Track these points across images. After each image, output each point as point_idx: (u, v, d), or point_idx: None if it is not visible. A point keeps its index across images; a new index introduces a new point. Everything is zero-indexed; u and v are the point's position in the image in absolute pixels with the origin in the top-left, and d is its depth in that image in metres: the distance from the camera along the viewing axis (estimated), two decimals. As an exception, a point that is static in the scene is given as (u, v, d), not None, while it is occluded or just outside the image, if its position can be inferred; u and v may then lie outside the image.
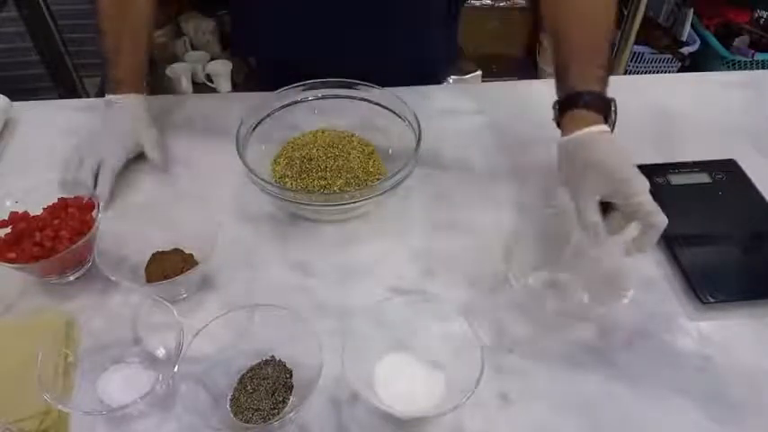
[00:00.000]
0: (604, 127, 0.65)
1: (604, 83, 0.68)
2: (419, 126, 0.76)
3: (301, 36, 0.93)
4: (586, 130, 0.65)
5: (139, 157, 0.85)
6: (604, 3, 0.71)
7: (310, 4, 0.89)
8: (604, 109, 0.67)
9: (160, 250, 0.70)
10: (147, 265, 0.69)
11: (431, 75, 1.04)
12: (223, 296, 0.69)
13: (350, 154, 0.81)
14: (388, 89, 0.82)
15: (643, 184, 0.61)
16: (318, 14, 0.90)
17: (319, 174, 0.78)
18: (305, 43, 0.93)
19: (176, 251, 0.70)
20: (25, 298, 0.69)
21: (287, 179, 0.79)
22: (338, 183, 0.77)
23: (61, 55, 1.56)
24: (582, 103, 0.66)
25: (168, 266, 0.68)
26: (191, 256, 0.70)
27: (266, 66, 1.11)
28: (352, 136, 0.84)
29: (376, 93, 0.83)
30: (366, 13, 0.89)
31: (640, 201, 0.60)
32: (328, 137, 0.83)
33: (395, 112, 0.81)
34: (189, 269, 0.66)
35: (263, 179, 0.71)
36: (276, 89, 0.82)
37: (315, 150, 0.81)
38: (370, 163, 0.81)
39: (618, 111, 0.68)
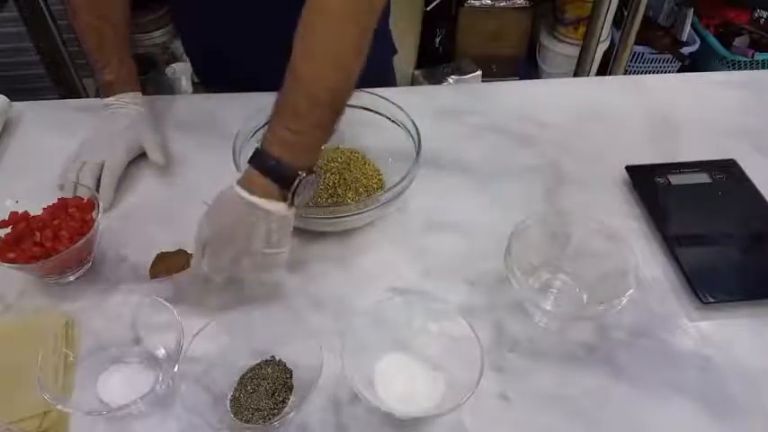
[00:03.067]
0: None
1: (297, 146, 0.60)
2: (418, 135, 0.76)
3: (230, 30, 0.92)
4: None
5: (140, 156, 0.85)
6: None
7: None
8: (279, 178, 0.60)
9: (164, 250, 0.70)
10: (151, 266, 0.69)
11: (377, 74, 0.89)
12: (223, 296, 0.69)
13: (348, 165, 0.81)
14: (387, 92, 0.82)
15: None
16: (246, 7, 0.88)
17: (329, 191, 0.78)
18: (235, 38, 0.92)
19: (180, 252, 0.70)
20: (25, 298, 0.69)
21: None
22: (348, 195, 0.78)
23: (61, 55, 1.56)
24: (259, 166, 0.60)
25: (172, 266, 0.68)
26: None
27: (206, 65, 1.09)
28: (351, 151, 0.84)
29: (374, 99, 0.81)
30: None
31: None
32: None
33: (394, 121, 0.81)
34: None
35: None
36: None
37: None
38: (369, 172, 0.81)
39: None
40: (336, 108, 0.62)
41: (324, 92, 0.60)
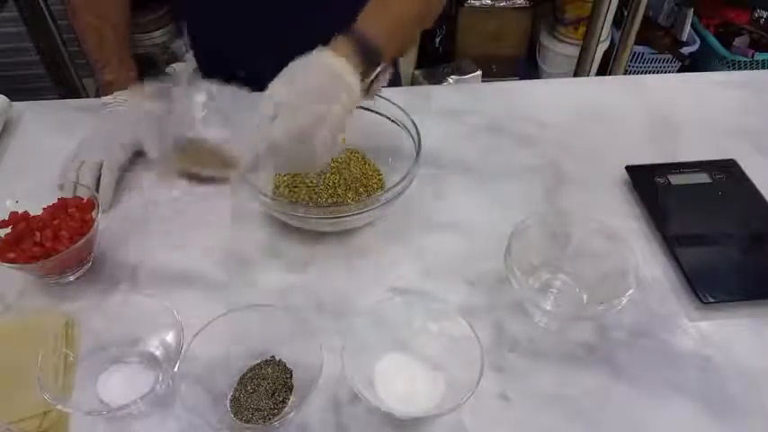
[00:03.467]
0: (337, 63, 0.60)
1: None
2: (418, 135, 0.76)
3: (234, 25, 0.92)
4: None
5: (139, 155, 0.85)
6: None
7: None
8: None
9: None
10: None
11: None
12: (223, 296, 0.69)
13: (348, 165, 0.81)
14: (387, 93, 0.81)
15: (270, 94, 0.59)
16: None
17: (329, 191, 0.78)
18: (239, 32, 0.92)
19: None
20: (25, 298, 0.69)
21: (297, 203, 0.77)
22: (348, 195, 0.78)
23: (61, 55, 1.56)
24: (351, 38, 0.62)
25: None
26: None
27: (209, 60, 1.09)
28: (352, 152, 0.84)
29: (374, 99, 0.80)
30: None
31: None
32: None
33: (395, 122, 0.80)
34: None
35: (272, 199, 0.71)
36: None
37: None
38: (369, 172, 0.81)
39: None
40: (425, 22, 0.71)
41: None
